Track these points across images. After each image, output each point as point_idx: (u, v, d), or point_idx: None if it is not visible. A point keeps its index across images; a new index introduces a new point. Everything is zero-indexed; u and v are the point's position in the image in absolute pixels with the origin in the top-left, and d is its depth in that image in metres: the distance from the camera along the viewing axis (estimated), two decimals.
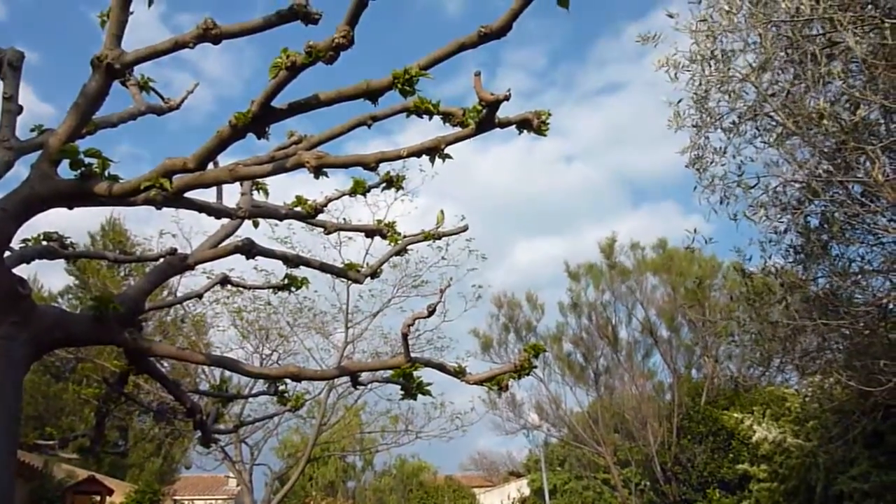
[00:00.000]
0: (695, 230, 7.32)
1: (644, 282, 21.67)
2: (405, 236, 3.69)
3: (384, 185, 3.50)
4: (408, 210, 15.26)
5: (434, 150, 2.43)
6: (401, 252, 3.66)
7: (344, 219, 15.99)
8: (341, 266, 3.54)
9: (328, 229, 3.60)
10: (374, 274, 3.55)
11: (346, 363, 3.49)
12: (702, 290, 19.08)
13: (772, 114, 6.41)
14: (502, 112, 2.32)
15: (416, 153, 2.43)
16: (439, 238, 3.79)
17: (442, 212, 3.94)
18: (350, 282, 5.13)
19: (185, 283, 16.60)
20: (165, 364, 13.25)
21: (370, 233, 3.71)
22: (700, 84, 6.95)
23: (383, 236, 3.65)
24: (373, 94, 2.29)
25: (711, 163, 7.16)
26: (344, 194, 3.49)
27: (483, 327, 22.90)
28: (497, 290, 23.64)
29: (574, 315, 22.38)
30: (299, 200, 3.22)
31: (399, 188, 3.57)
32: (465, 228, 4.01)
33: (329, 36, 2.04)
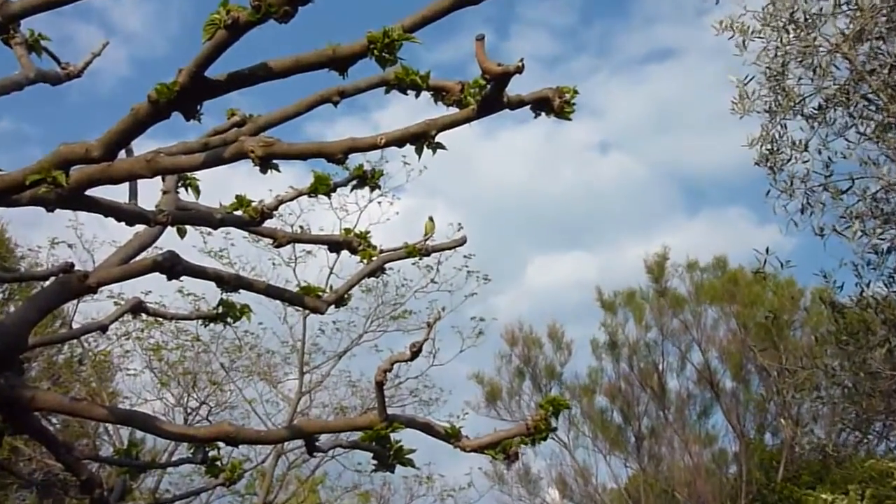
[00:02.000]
0: (766, 250, 7.31)
1: (702, 315, 21.78)
2: (382, 251, 3.70)
3: (355, 182, 3.52)
4: (387, 215, 15.33)
5: (422, 138, 2.44)
6: (376, 272, 3.67)
7: (301, 227, 16.10)
8: (296, 290, 3.55)
9: (279, 241, 3.60)
10: (341, 301, 3.55)
11: (301, 421, 3.45)
12: (778, 327, 19.14)
13: (870, 96, 6.46)
14: (513, 87, 2.34)
15: (398, 141, 2.45)
16: (428, 254, 3.80)
17: (431, 219, 3.95)
18: (308, 311, 5.10)
19: (85, 311, 16.62)
20: (55, 420, 13.14)
21: (335, 246, 3.72)
22: (776, 56, 7.02)
23: (353, 251, 3.66)
24: (341, 63, 2.31)
25: (789, 159, 7.22)
26: (301, 194, 3.51)
27: (488, 371, 22.90)
28: (506, 321, 23.63)
29: (610, 358, 22.41)
30: (241, 202, 3.23)
31: (375, 187, 3.59)
32: (462, 241, 4.02)
33: None
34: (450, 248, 4.09)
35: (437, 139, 2.46)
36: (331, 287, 3.61)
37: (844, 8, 6.63)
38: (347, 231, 3.70)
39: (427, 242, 3.77)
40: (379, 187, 3.63)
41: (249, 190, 3.27)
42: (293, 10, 2.10)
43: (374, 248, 3.68)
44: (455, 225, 13.22)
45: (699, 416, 21.89)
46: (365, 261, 3.65)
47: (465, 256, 15.72)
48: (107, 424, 15.85)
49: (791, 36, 6.92)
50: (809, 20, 6.83)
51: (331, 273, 14.96)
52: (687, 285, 22.07)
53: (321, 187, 3.32)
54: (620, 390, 22.04)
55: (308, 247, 16.12)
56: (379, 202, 15.20)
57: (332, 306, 3.56)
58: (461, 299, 16.25)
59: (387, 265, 3.69)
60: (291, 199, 3.57)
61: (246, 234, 3.53)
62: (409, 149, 2.50)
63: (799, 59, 7.02)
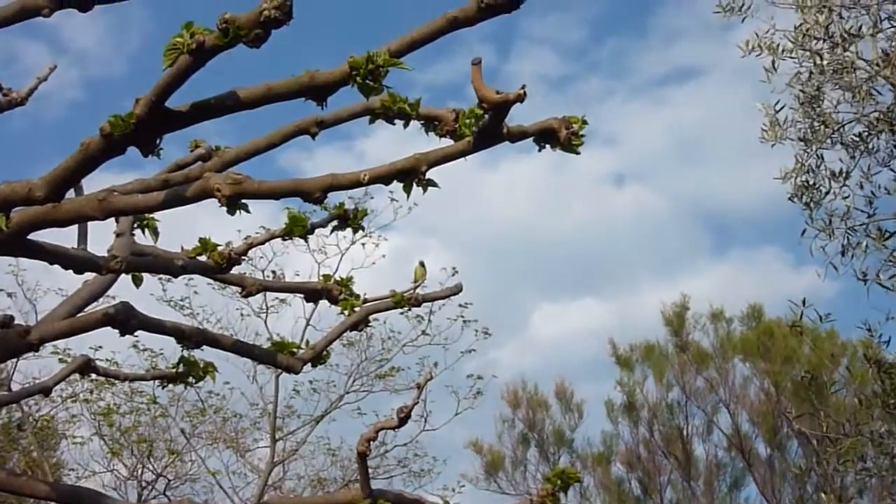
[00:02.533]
0: (804, 302, 7.25)
1: (731, 372, 21.74)
2: (367, 300, 3.69)
3: (335, 223, 3.53)
4: (372, 258, 15.37)
5: (411, 174, 2.46)
6: (360, 325, 3.67)
7: (274, 272, 16.12)
8: (267, 346, 3.53)
9: (248, 289, 3.60)
10: (318, 358, 3.54)
11: (272, 497, 3.42)
12: (817, 388, 19.08)
13: None
14: (516, 112, 2.37)
15: (384, 178, 2.47)
16: (418, 304, 3.80)
17: (422, 264, 3.97)
18: (280, 370, 5.08)
19: (26, 370, 16.47)
20: None
21: (312, 295, 3.72)
22: (810, 78, 7.10)
23: (333, 300, 3.66)
24: (319, 92, 2.33)
25: (827, 193, 7.23)
26: (274, 237, 3.52)
27: (488, 438, 22.74)
28: (508, 379, 23.51)
29: (628, 421, 22.30)
30: (205, 245, 3.23)
31: (358, 228, 3.60)
32: (457, 290, 4.03)
33: (257, 7, 2.09)
34: (444, 298, 4.08)
35: (428, 175, 2.49)
36: (307, 342, 3.59)
37: (885, 25, 6.72)
38: (326, 277, 3.70)
39: (418, 290, 3.77)
40: (362, 228, 3.64)
41: (215, 231, 3.27)
42: (265, 34, 2.12)
43: (357, 297, 3.67)
44: (449, 269, 13.21)
45: (730, 489, 21.74)
46: (346, 312, 3.64)
47: (460, 305, 15.64)
48: (49, 503, 15.52)
49: (827, 56, 7.00)
50: (847, 38, 6.91)
51: (307, 325, 14.89)
52: (711, 338, 22.04)
53: (296, 229, 3.32)
54: (640, 458, 21.90)
55: (282, 296, 16.11)
56: (363, 244, 15.21)
57: (309, 364, 3.55)
58: (457, 355, 16.20)
59: (372, 316, 3.69)
60: (263, 243, 3.57)
61: (211, 281, 3.53)
62: (398, 185, 2.53)
63: (836, 82, 7.09)
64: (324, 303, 3.74)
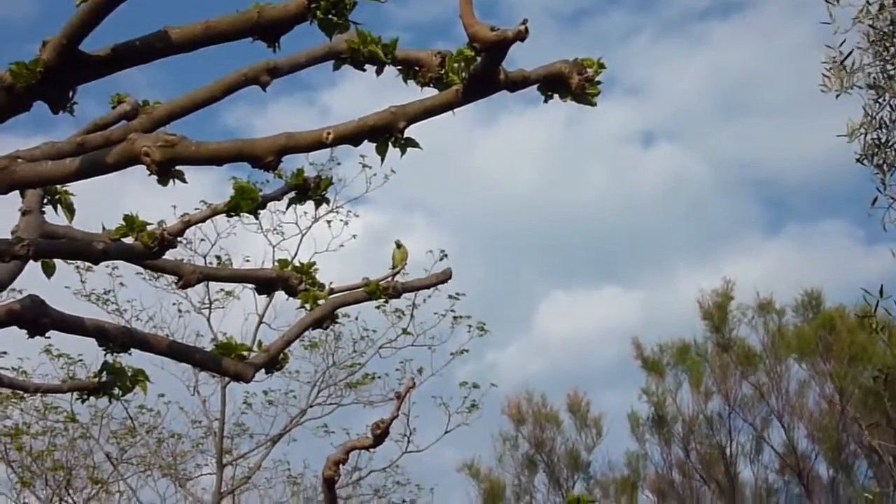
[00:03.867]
0: (880, 291, 7.20)
1: (785, 376, 21.86)
2: (334, 291, 3.71)
3: (293, 194, 3.54)
4: (341, 240, 15.44)
5: (385, 132, 2.46)
6: (325, 321, 3.68)
7: (218, 258, 16.19)
8: (211, 348, 3.54)
9: (186, 279, 3.60)
10: (274, 363, 3.55)
11: None
12: (893, 393, 19.21)
13: None
14: (518, 56, 2.37)
15: (353, 137, 2.47)
16: (398, 294, 3.81)
17: (399, 245, 3.98)
18: (228, 378, 5.09)
19: None
20: None
21: (266, 285, 3.72)
22: (881, 10, 7.09)
23: (291, 291, 3.67)
24: (269, 31, 2.33)
25: None
26: (217, 213, 3.52)
27: (486, 460, 22.89)
28: (510, 389, 23.63)
29: (657, 439, 22.45)
30: (131, 224, 3.22)
31: (322, 201, 3.61)
32: (446, 276, 4.04)
33: None
34: (429, 286, 4.09)
35: (407, 133, 2.50)
36: (260, 343, 3.59)
37: None
38: (283, 263, 3.71)
39: (397, 278, 3.78)
40: (327, 201, 3.64)
41: (144, 207, 3.27)
42: None
43: (322, 286, 3.68)
44: (437, 252, 13.25)
45: None
46: (308, 305, 3.65)
47: (451, 297, 15.73)
48: None
49: None
50: None
51: (260, 323, 15.07)
52: (760, 334, 22.15)
53: (245, 203, 3.32)
54: (673, 484, 22.05)
55: (228, 286, 16.15)
56: (328, 221, 15.28)
57: (263, 371, 3.56)
58: (446, 358, 16.29)
59: (340, 311, 3.69)
60: (204, 220, 3.58)
61: (140, 270, 3.52)
62: (370, 146, 2.53)
63: None
64: (280, 295, 3.74)
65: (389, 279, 3.78)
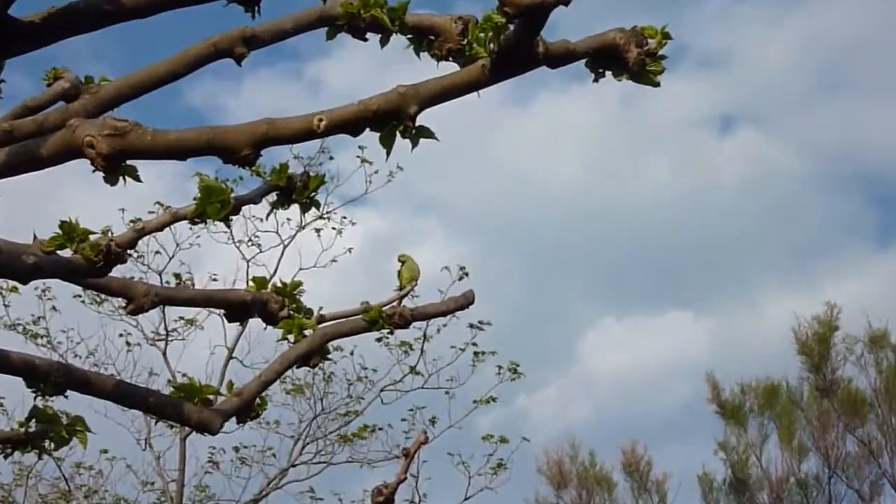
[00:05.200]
0: None
1: None
2: (324, 318, 3.76)
3: (274, 196, 3.55)
4: (333, 252, 15.48)
5: (393, 118, 2.48)
6: (313, 357, 3.69)
7: (179, 277, 16.22)
8: (168, 390, 3.55)
9: (137, 302, 3.63)
10: (249, 411, 3.57)
11: None
12: None
13: None
14: (560, 26, 2.38)
15: (350, 126, 2.49)
16: (406, 324, 3.82)
17: (407, 260, 3.99)
18: (189, 429, 5.10)
19: None
20: None
21: (238, 310, 3.74)
22: None
23: (270, 318, 3.68)
24: None
25: None
26: (177, 219, 3.54)
27: None
28: (547, 441, 23.55)
29: None
30: (69, 233, 3.25)
31: (310, 204, 3.62)
32: (467, 301, 4.04)
33: None
34: (445, 313, 4.10)
35: (420, 119, 2.52)
36: (230, 385, 3.61)
37: None
38: (259, 282, 3.73)
39: (404, 302, 3.78)
40: (317, 205, 3.65)
41: (87, 211, 3.30)
42: None
43: (309, 312, 3.71)
44: (455, 269, 13.29)
45: None
46: (293, 336, 3.67)
47: (473, 326, 15.73)
48: None
49: None
50: None
51: (230, 359, 15.18)
52: (871, 376, 21.99)
53: (212, 208, 3.34)
54: None
55: (190, 312, 16.14)
56: (318, 230, 15.36)
57: (234, 419, 3.57)
58: (467, 406, 16.23)
59: (332, 344, 3.69)
60: (161, 228, 3.59)
61: (79, 290, 3.53)
62: (371, 137, 2.54)
63: None
64: (256, 323, 3.78)
65: (395, 304, 3.78)
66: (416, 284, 3.88)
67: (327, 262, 15.51)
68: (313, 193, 3.58)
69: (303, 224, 15.18)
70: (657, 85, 2.52)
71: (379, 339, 15.31)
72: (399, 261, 3.97)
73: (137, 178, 2.51)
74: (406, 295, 3.84)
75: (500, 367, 16.16)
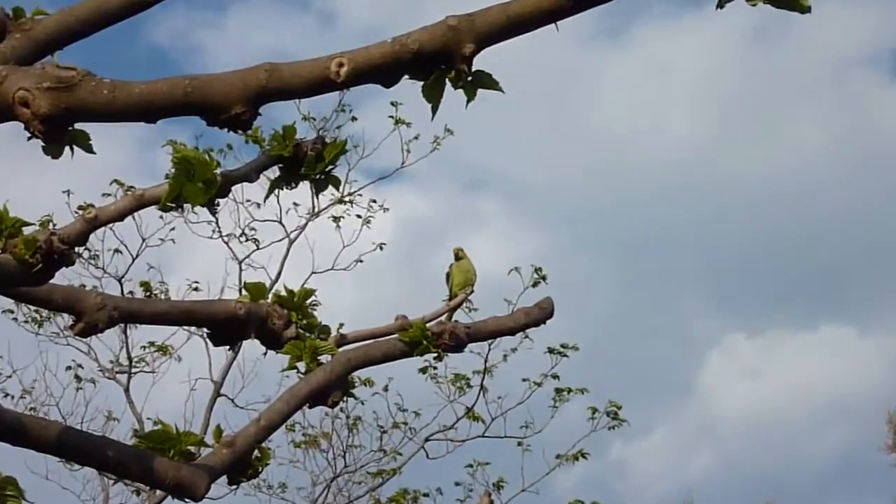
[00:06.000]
0: None
1: None
2: (345, 338, 3.80)
3: (277, 174, 3.56)
4: (358, 249, 15.42)
5: (441, 61, 2.47)
6: (331, 394, 3.71)
7: (147, 285, 16.14)
8: (133, 441, 3.55)
9: (89, 319, 3.64)
10: (243, 466, 3.58)
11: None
12: None
13: None
14: None
15: (379, 71, 2.49)
16: (459, 346, 3.82)
17: (461, 257, 3.99)
18: (161, 494, 5.15)
19: None
20: None
21: (226, 328, 3.75)
22: None
23: (272, 339, 3.70)
24: None
25: None
26: (144, 205, 3.55)
27: None
28: (658, 502, 23.52)
29: None
30: None
31: (327, 182, 3.62)
32: (544, 314, 4.04)
33: None
34: (514, 331, 4.09)
35: (478, 62, 2.51)
36: (218, 431, 3.62)
37: None
38: (257, 290, 3.76)
39: (455, 314, 3.78)
40: (335, 183, 3.65)
41: (22, 193, 3.30)
42: None
43: (326, 331, 3.76)
44: (527, 271, 13.27)
45: None
46: (303, 364, 3.69)
47: (552, 351, 15.76)
48: None
49: None
50: None
51: (217, 396, 15.41)
52: None
53: (192, 188, 3.34)
54: None
55: (162, 332, 16.13)
56: (336, 218, 15.34)
57: (225, 479, 3.58)
58: (547, 462, 16.18)
59: (357, 374, 3.67)
60: (121, 217, 3.60)
61: (10, 303, 3.53)
62: (410, 88, 2.54)
63: None
64: (253, 347, 3.77)
65: (444, 318, 3.78)
66: (471, 291, 3.89)
67: (350, 262, 15.54)
68: (330, 167, 3.58)
69: (316, 210, 15.21)
70: (807, 10, 2.50)
71: (423, 370, 15.24)
72: (457, 257, 3.96)
73: (89, 149, 2.51)
74: (459, 306, 3.85)
75: (594, 411, 16.06)
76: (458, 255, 3.69)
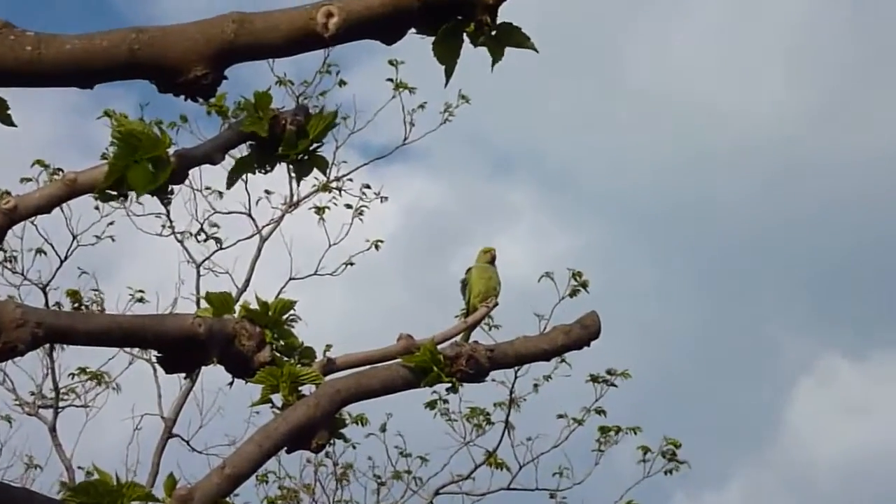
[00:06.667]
0: None
1: None
2: (333, 364, 3.87)
3: (246, 153, 3.59)
4: (350, 249, 15.41)
5: (457, 10, 2.49)
6: (315, 435, 3.73)
7: (74, 294, 16.10)
8: (63, 494, 3.57)
9: (3, 339, 3.67)
10: None
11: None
12: None
13: None
14: None
15: (377, 23, 2.51)
16: (479, 375, 3.85)
17: (476, 266, 4.01)
18: None
19: None
20: None
21: (177, 352, 3.78)
22: None
23: (240, 364, 3.74)
24: None
25: None
26: (77, 193, 3.58)
27: None
28: None
29: None
30: None
31: (311, 164, 3.65)
32: (587, 334, 4.07)
33: None
34: (549, 357, 4.12)
35: (503, 15, 2.53)
36: (170, 482, 3.66)
37: None
38: (221, 302, 3.79)
39: (474, 334, 3.81)
40: (321, 165, 3.68)
41: None
42: None
43: (309, 354, 3.79)
44: (565, 277, 13.30)
45: None
46: (281, 396, 3.71)
47: (596, 380, 15.75)
48: None
49: None
50: None
51: (169, 437, 15.07)
52: None
53: (137, 172, 3.37)
54: None
55: (98, 356, 16.09)
56: (320, 209, 15.33)
57: None
58: None
59: (350, 408, 3.70)
60: (47, 209, 3.62)
61: None
62: (417, 44, 2.56)
63: None
64: (216, 374, 3.80)
65: (459, 338, 3.81)
66: (495, 304, 3.90)
67: (339, 265, 15.53)
68: (315, 145, 3.60)
69: (295, 199, 15.19)
70: None
71: (431, 404, 15.20)
72: (486, 260, 3.97)
73: (7, 120, 2.54)
74: (479, 323, 3.86)
75: (645, 451, 16.07)
76: (489, 258, 3.66)
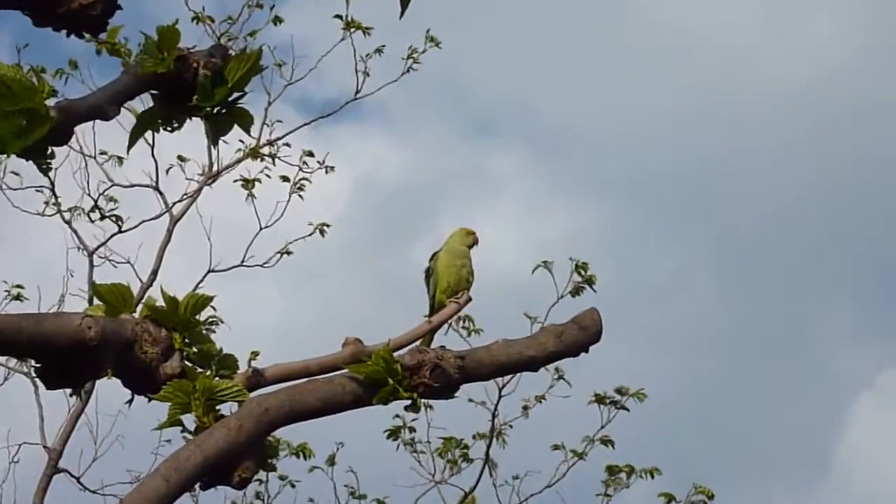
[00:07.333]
0: None
1: None
2: (261, 374, 3.82)
3: (154, 106, 3.62)
4: (287, 226, 15.38)
5: None
6: (238, 467, 3.76)
7: None
8: None
9: None
10: None
11: None
12: None
13: None
14: None
15: None
16: (449, 389, 3.88)
17: (445, 250, 4.05)
18: None
19: None
20: None
21: (61, 361, 3.81)
22: None
23: (142, 379, 3.76)
24: None
25: None
26: None
27: None
28: None
29: None
30: None
31: (230, 121, 3.67)
32: (588, 337, 4.10)
33: None
34: (536, 366, 4.15)
35: None
36: None
37: None
38: (116, 297, 3.80)
39: (440, 338, 3.84)
40: (244, 122, 3.70)
41: None
42: None
43: (230, 363, 3.79)
44: (567, 267, 13.36)
45: None
46: (194, 417, 3.74)
47: (601, 400, 15.87)
48: None
49: None
50: None
51: (55, 471, 15.11)
52: None
53: (7, 131, 3.38)
54: None
55: None
56: (247, 182, 15.32)
57: None
58: None
59: (279, 434, 3.72)
60: None
61: None
62: None
63: None
64: (112, 388, 3.83)
65: (421, 342, 3.83)
66: (468, 299, 3.91)
67: (272, 254, 15.55)
68: (236, 95, 3.60)
69: (215, 168, 15.17)
70: None
71: (393, 433, 15.19)
72: (468, 240, 4.00)
73: None
74: (446, 322, 3.88)
75: (669, 499, 16.07)
76: (470, 241, 3.61)
